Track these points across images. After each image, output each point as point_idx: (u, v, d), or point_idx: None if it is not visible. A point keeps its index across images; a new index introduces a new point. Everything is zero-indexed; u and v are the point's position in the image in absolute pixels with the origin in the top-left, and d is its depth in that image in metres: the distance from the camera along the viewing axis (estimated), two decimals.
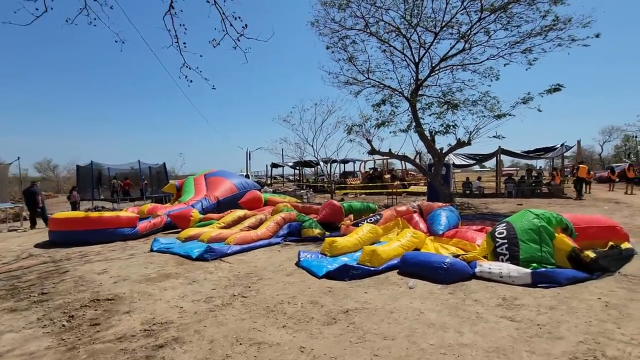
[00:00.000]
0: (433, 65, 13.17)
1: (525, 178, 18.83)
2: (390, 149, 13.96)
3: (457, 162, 19.86)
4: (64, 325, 3.38)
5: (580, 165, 15.19)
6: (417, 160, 17.11)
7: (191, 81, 8.68)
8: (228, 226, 8.47)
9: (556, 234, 4.29)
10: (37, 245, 8.12)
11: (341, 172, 29.18)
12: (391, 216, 7.04)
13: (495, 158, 18.04)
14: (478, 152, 19.42)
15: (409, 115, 13.72)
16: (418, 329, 2.99)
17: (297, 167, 27.22)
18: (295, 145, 20.26)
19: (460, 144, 13.15)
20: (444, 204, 7.68)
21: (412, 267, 4.53)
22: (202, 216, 9.77)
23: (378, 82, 14.07)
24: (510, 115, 12.70)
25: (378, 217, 7.08)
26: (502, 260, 4.30)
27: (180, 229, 8.83)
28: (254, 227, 8.05)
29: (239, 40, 6.85)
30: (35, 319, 3.58)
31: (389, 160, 24.80)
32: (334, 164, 26.83)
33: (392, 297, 3.78)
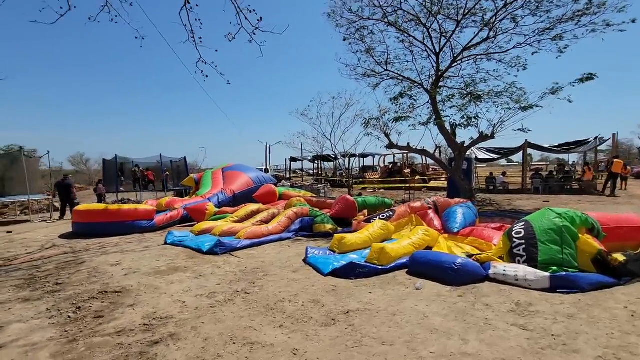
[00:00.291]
0: (455, 55, 12.64)
1: (555, 173, 17.86)
2: (408, 143, 13.58)
3: (481, 156, 19.14)
4: (69, 317, 3.46)
5: (615, 160, 14.18)
6: (437, 155, 16.55)
7: (207, 76, 8.76)
8: (241, 220, 8.52)
9: (580, 235, 3.96)
10: (62, 236, 8.48)
11: (360, 166, 28.87)
12: (405, 212, 6.81)
13: (522, 152, 17.19)
14: (504, 146, 18.61)
15: (428, 107, 13.28)
16: (420, 334, 2.83)
17: (316, 162, 27.12)
18: (313, 140, 20.20)
19: (483, 137, 12.58)
20: (461, 200, 7.34)
21: (422, 266, 4.33)
22: (217, 210, 9.90)
23: (397, 74, 13.67)
24: (537, 106, 12.02)
25: (391, 213, 6.87)
26: (519, 262, 4.02)
27: (195, 222, 8.97)
28: (267, 221, 8.05)
29: (254, 34, 6.78)
30: (45, 310, 3.69)
31: (409, 155, 24.25)
32: (353, 158, 26.60)
33: (397, 299, 3.62)
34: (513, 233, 4.28)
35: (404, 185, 22.00)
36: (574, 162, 27.32)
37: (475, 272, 3.96)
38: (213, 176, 13.73)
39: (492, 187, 17.27)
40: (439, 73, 12.70)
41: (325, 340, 2.80)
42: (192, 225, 8.56)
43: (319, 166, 27.97)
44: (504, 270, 3.90)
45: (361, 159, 28.56)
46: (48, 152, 12.96)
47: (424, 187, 20.69)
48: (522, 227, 4.27)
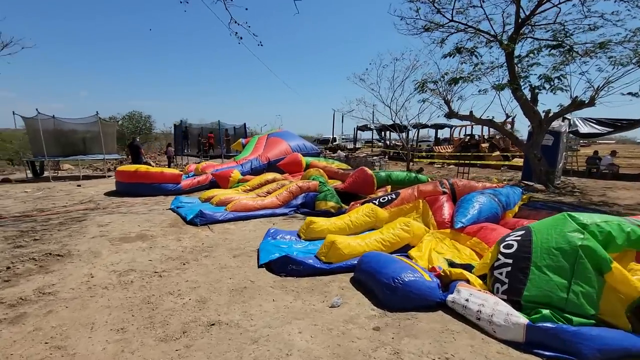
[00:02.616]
0: None
1: None
2: (471, 111, 11.20)
3: (585, 130, 14.94)
4: None
5: None
6: (509, 127, 13.46)
7: (241, 38, 8.48)
8: (253, 189, 8.20)
9: (614, 266, 2.35)
10: (107, 193, 9.43)
11: (434, 138, 25.99)
12: (410, 196, 5.46)
13: None
14: (620, 117, 14.16)
15: (502, 66, 10.57)
16: None
17: (382, 132, 25.25)
18: (374, 107, 18.59)
19: (576, 104, 9.60)
20: (497, 185, 5.57)
21: (363, 274, 3.26)
22: (242, 177, 9.78)
23: (465, 24, 11.08)
24: None
25: (394, 196, 5.59)
26: (497, 292, 2.64)
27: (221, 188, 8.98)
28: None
29: None
30: None
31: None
32: (423, 129, 23.99)
33: (288, 317, 2.71)
34: (502, 245, 2.83)
35: (478, 162, 19.12)
36: None
37: (421, 296, 2.75)
38: (257, 142, 13.70)
39: (594, 170, 13.51)
40: (519, 20, 9.81)
41: None
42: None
43: (385, 136, 26.04)
44: (467, 300, 2.60)
45: (436, 130, 25.64)
46: (119, 121, 14.52)
47: (504, 165, 17.51)
48: (519, 237, 2.77)
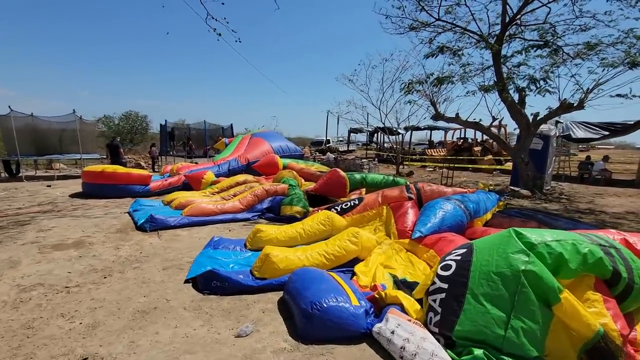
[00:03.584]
0: None
1: None
2: (457, 114, 10.78)
3: (580, 134, 14.51)
4: None
5: None
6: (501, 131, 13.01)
7: (220, 34, 8.24)
8: (221, 192, 7.77)
9: (566, 295, 1.91)
10: (73, 195, 8.99)
11: (427, 141, 25.58)
12: (374, 202, 5.03)
13: None
14: (617, 121, 13.73)
15: (492, 68, 10.14)
16: None
17: (374, 134, 24.84)
18: (363, 109, 18.21)
19: (565, 107, 9.18)
20: (467, 191, 5.13)
21: (288, 295, 2.82)
22: (215, 179, 9.34)
23: (452, 23, 10.65)
24: None
25: (357, 201, 5.16)
26: (430, 322, 2.20)
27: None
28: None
29: None
30: None
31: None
32: (422, 132, 23.62)
33: (179, 350, 2.27)
34: (441, 266, 2.39)
35: (470, 166, 18.71)
36: None
37: (342, 325, 2.31)
38: (240, 142, 13.29)
39: (586, 176, 13.08)
40: (506, 20, 9.40)
41: None
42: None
43: (378, 139, 25.63)
44: (392, 333, 2.16)
45: (430, 133, 25.24)
46: (104, 115, 14.15)
47: (496, 169, 17.08)
48: (458, 257, 2.33)
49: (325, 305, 2.34)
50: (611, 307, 1.99)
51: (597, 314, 1.95)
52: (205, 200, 6.66)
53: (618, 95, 8.02)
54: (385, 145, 24.92)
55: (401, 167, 17.78)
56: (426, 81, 10.98)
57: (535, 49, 8.90)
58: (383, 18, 11.57)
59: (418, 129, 23.73)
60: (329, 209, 5.33)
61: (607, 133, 13.88)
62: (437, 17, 10.57)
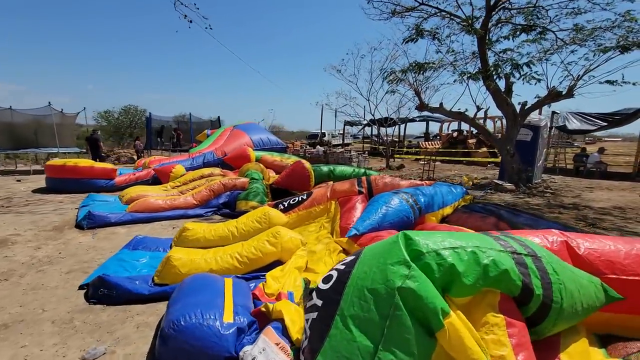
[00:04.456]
0: None
1: None
2: (441, 103, 10.22)
3: (576, 125, 13.83)
4: None
5: None
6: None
7: (191, 21, 7.96)
8: (184, 185, 7.38)
9: (449, 321, 1.48)
10: (36, 190, 8.68)
11: (423, 133, 24.95)
12: (323, 197, 4.60)
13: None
14: (615, 110, 13.05)
15: (474, 54, 9.56)
16: None
17: (370, 126, 24.21)
18: (352, 100, 17.69)
19: (552, 95, 8.61)
20: (421, 183, 4.67)
21: (167, 306, 2.41)
22: (185, 172, 8.96)
23: (436, 7, 10.03)
24: None
25: (305, 196, 4.73)
26: (301, 348, 1.79)
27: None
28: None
29: None
30: None
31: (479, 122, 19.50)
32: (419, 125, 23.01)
33: None
34: (323, 278, 1.95)
35: (464, 159, 18.14)
36: None
37: (203, 349, 1.89)
38: (221, 134, 12.89)
39: (582, 169, 12.47)
40: (491, 3, 8.78)
41: None
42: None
43: (373, 131, 25.00)
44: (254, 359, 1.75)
45: (426, 125, 24.58)
46: (84, 108, 13.87)
47: (490, 163, 16.49)
48: (342, 267, 1.89)
49: (183, 324, 1.93)
50: (516, 333, 1.55)
51: (495, 342, 1.51)
52: (155, 195, 6.28)
53: (607, 81, 7.44)
54: (376, 138, 24.36)
55: (392, 160, 17.28)
56: (410, 70, 10.42)
57: (520, 32, 8.30)
58: (365, 2, 10.97)
59: (413, 120, 23.13)
60: (277, 204, 4.91)
61: (604, 124, 13.22)
62: (420, 1, 9.99)
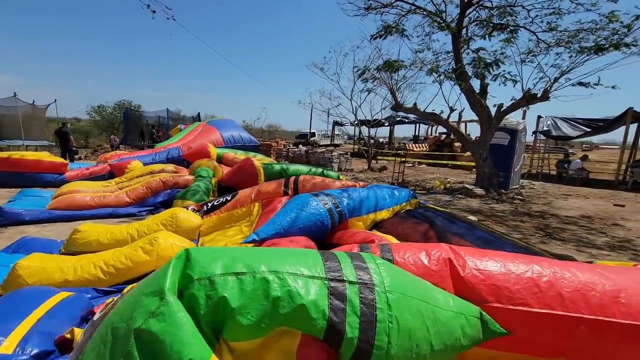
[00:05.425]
0: None
1: None
2: (415, 104, 9.81)
3: (567, 130, 13.33)
4: None
5: None
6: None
7: (154, 11, 7.77)
8: (129, 181, 6.95)
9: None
10: None
11: (413, 135, 24.58)
12: (247, 198, 4.17)
13: (625, 125, 11.32)
14: (603, 116, 12.64)
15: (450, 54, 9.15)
16: None
17: (357, 126, 23.80)
18: (334, 99, 17.25)
19: (527, 98, 8.22)
20: (354, 184, 4.26)
21: None
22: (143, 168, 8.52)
23: (412, 4, 9.61)
24: (634, 45, 7.34)
25: (229, 197, 4.30)
26: None
27: None
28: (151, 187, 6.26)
29: None
30: None
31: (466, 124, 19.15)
32: (397, 126, 22.65)
33: None
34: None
35: (450, 162, 17.79)
36: None
37: None
38: (192, 129, 12.45)
39: (563, 175, 12.08)
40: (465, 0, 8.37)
41: None
42: None
43: (361, 132, 24.60)
44: None
45: (415, 127, 24.22)
46: (55, 100, 13.46)
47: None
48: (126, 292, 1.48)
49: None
50: None
51: None
52: (84, 191, 5.84)
53: (580, 83, 7.04)
54: (363, 139, 23.96)
55: (374, 162, 16.86)
56: (382, 69, 10.01)
57: (492, 31, 7.90)
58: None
59: (402, 122, 22.75)
60: (202, 206, 4.48)
61: (589, 130, 12.86)
62: None
